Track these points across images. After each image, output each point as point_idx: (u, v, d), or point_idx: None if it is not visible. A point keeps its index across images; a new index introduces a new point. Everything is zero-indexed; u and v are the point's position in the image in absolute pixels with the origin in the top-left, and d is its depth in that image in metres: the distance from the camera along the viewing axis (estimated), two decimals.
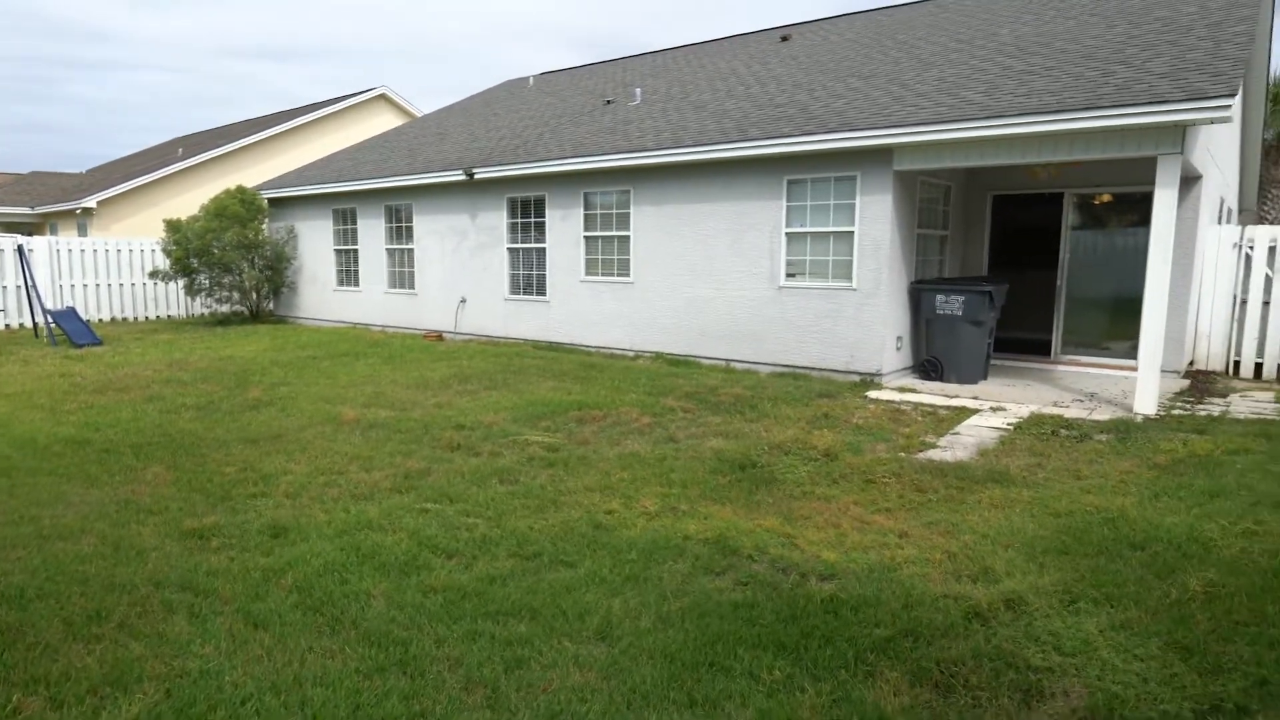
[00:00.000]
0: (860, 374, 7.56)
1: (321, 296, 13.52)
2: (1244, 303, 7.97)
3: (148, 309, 14.90)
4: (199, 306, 15.01)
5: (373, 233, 12.44)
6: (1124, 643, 2.69)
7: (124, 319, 14.60)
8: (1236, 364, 8.09)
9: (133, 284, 14.65)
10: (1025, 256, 9.23)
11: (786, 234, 7.97)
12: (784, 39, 12.34)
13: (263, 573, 3.30)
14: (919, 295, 7.89)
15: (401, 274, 12.17)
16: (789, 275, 8.02)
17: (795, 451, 5.04)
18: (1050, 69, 7.25)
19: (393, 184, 11.61)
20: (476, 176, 10.36)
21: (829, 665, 2.58)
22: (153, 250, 14.48)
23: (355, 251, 12.82)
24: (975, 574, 3.27)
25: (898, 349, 7.84)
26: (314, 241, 13.50)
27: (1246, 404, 6.58)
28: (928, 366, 7.86)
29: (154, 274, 13.39)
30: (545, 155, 9.74)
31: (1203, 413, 6.24)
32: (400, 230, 12.12)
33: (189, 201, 15.95)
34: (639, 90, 11.54)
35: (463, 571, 3.31)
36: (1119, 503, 4.00)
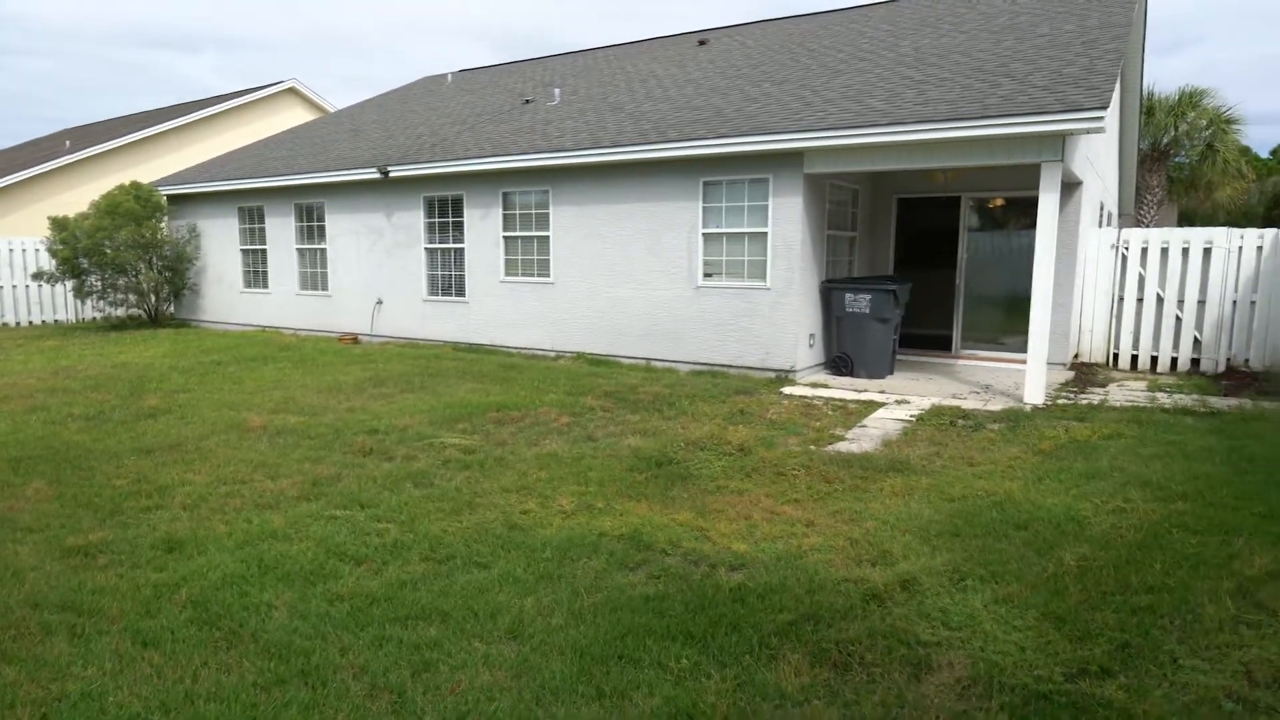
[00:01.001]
0: (775, 370, 7.78)
1: (227, 299, 13.03)
2: (1121, 300, 8.54)
3: (32, 313, 14.05)
4: (90, 310, 14.24)
5: (282, 232, 12.06)
6: (1005, 615, 2.89)
7: (3, 324, 13.75)
8: (1115, 356, 8.66)
9: (14, 286, 13.80)
10: (927, 257, 9.66)
11: (703, 235, 8.12)
12: (701, 43, 12.54)
13: (154, 589, 3.18)
14: (830, 294, 8.17)
15: (314, 275, 11.84)
16: (706, 275, 8.17)
17: (711, 447, 5.16)
18: (945, 80, 7.61)
19: (303, 181, 11.28)
20: (392, 175, 10.17)
21: (735, 651, 2.68)
22: (36, 250, 13.67)
23: (264, 251, 12.40)
24: (874, 558, 3.44)
25: (810, 346, 8.09)
26: (219, 241, 13.00)
27: (1123, 393, 7.06)
28: (839, 362, 8.15)
29: (38, 275, 12.63)
30: (463, 154, 9.65)
31: (1084, 402, 6.67)
32: (312, 229, 11.78)
33: (79, 198, 15.10)
34: (558, 90, 11.55)
35: (372, 578, 3.28)
36: (1006, 487, 4.26)
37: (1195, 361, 8.24)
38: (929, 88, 7.48)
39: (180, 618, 2.96)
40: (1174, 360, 8.31)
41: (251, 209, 12.46)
